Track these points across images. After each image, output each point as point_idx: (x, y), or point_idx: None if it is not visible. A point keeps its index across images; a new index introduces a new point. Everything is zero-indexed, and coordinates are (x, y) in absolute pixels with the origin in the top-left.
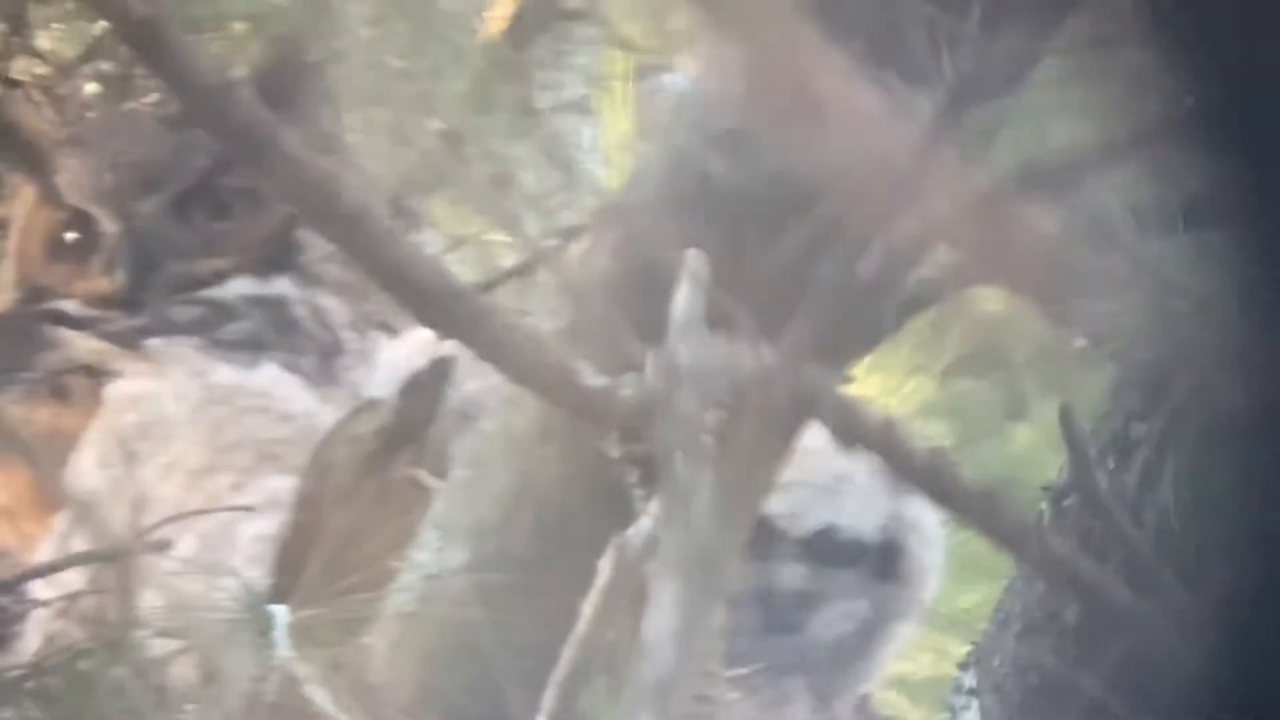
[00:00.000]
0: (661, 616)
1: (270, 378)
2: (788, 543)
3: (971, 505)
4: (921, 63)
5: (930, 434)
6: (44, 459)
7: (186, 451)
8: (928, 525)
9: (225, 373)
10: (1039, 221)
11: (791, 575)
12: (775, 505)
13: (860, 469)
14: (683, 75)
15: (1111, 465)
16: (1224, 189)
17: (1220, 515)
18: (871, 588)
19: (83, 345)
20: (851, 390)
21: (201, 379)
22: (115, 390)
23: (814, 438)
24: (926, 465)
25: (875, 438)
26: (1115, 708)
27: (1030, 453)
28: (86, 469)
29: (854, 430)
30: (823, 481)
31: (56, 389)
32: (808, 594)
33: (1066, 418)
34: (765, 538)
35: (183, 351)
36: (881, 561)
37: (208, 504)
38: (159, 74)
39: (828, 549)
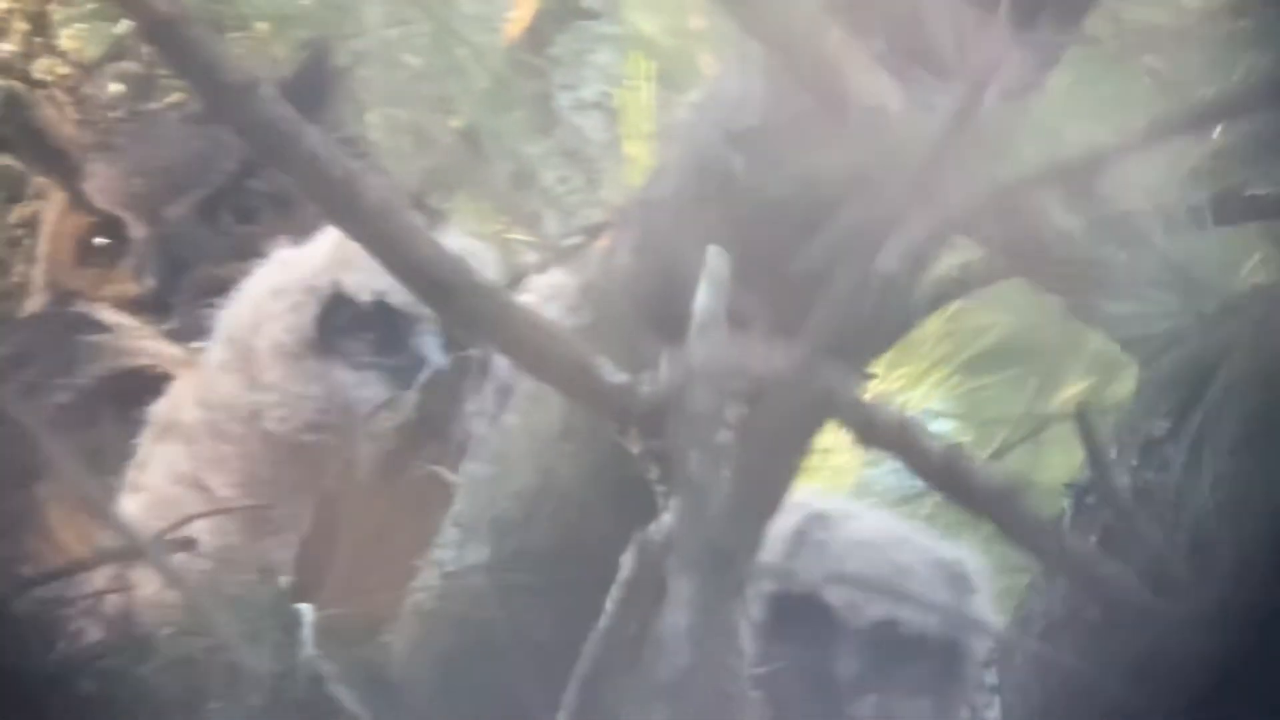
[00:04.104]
0: (677, 614)
1: None
2: (848, 633)
3: (989, 503)
4: (945, 58)
5: (948, 430)
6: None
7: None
8: (990, 624)
9: None
10: (1064, 216)
11: (849, 666)
12: (834, 595)
13: (920, 563)
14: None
15: (1134, 463)
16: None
17: (1257, 516)
18: (932, 685)
19: (129, 345)
20: (874, 386)
21: None
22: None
23: (874, 530)
24: (943, 463)
25: (891, 437)
26: (1136, 705)
27: (1056, 448)
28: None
29: (871, 430)
30: (883, 573)
31: (101, 392)
32: (866, 687)
33: (1083, 417)
34: (825, 627)
35: None
36: (944, 660)
37: None
38: (182, 73)
39: (889, 642)
